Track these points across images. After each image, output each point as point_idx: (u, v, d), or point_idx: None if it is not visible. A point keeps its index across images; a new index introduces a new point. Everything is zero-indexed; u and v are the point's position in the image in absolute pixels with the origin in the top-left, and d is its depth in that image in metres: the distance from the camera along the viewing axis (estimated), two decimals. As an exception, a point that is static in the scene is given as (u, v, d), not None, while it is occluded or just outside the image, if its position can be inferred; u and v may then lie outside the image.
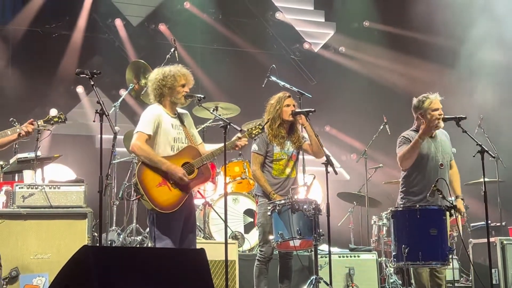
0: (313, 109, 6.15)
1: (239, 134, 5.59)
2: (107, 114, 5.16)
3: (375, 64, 11.79)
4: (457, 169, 6.40)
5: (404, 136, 6.25)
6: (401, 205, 6.19)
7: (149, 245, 7.23)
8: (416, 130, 6.24)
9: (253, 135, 5.72)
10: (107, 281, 3.54)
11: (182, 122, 5.57)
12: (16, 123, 5.18)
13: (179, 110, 5.68)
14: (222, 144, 5.45)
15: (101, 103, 5.16)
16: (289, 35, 12.05)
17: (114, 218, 7.78)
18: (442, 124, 6.15)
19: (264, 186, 6.19)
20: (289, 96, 6.33)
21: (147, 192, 5.25)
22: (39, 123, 5.14)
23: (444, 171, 6.16)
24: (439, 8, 10.78)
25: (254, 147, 6.25)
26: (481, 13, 10.36)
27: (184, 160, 5.41)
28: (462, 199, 6.28)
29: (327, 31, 12.32)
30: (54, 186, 6.63)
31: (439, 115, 6.10)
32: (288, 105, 6.25)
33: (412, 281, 6.18)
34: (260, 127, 5.73)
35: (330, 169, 5.87)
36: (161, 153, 5.39)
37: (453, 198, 6.20)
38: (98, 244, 6.57)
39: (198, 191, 6.75)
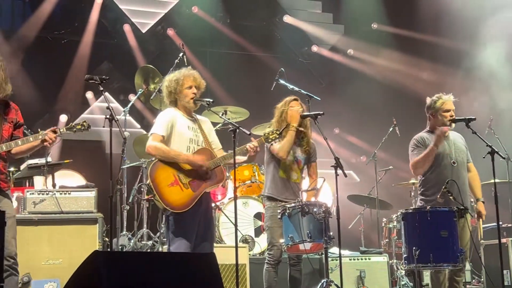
0: (321, 112, 6.11)
1: (254, 143, 5.58)
2: (116, 119, 5.18)
3: (383, 66, 11.76)
4: (476, 173, 6.34)
5: (416, 139, 6.21)
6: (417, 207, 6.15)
7: (160, 249, 7.24)
8: (430, 131, 6.21)
9: (269, 140, 5.73)
10: (118, 286, 3.56)
11: (200, 126, 5.59)
12: (39, 130, 5.14)
13: (199, 117, 5.72)
14: (237, 150, 5.46)
15: (111, 108, 5.18)
16: (297, 38, 12.05)
17: (125, 223, 7.78)
18: (452, 125, 6.13)
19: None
20: (295, 99, 6.31)
21: (158, 191, 5.27)
22: (61, 130, 5.10)
23: (458, 168, 6.10)
24: (448, 9, 10.74)
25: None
26: (491, 13, 10.30)
27: None
28: (483, 202, 6.24)
29: (335, 33, 12.30)
30: (65, 192, 6.66)
31: (450, 116, 6.08)
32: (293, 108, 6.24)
33: (427, 282, 6.14)
34: (278, 132, 5.73)
35: (339, 171, 5.85)
36: None
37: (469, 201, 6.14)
38: (109, 249, 6.59)
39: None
